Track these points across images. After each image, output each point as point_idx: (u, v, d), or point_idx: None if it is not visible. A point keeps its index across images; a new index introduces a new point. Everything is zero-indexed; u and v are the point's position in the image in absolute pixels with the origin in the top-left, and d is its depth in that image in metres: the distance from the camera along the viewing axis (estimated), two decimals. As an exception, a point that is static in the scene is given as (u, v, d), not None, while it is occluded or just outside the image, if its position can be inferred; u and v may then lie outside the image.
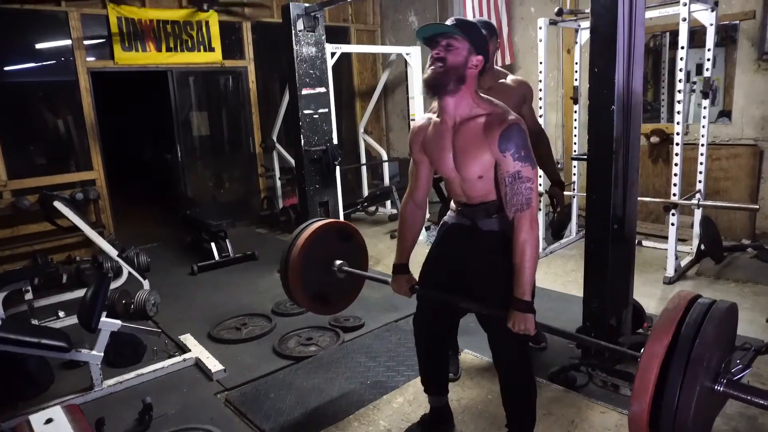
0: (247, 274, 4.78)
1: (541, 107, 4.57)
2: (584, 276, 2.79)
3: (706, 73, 4.07)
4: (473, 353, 3.00)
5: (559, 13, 3.85)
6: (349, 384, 2.81)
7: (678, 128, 3.79)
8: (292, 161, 6.04)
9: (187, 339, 3.39)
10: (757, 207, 3.47)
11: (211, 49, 6.07)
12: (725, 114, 5.07)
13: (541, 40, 4.52)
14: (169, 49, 5.81)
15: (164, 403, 2.70)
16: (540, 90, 4.54)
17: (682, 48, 3.68)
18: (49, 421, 1.41)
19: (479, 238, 1.95)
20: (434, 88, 1.77)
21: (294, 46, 4.14)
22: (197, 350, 3.22)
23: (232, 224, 5.65)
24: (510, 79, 2.67)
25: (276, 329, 3.53)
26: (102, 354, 2.74)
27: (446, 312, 2.13)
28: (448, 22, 1.80)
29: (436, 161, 1.95)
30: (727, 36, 4.96)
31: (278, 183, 6.35)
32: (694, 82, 4.96)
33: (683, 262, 4.18)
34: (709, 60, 4.03)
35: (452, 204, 2.11)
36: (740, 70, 4.64)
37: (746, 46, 4.59)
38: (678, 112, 3.78)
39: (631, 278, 2.86)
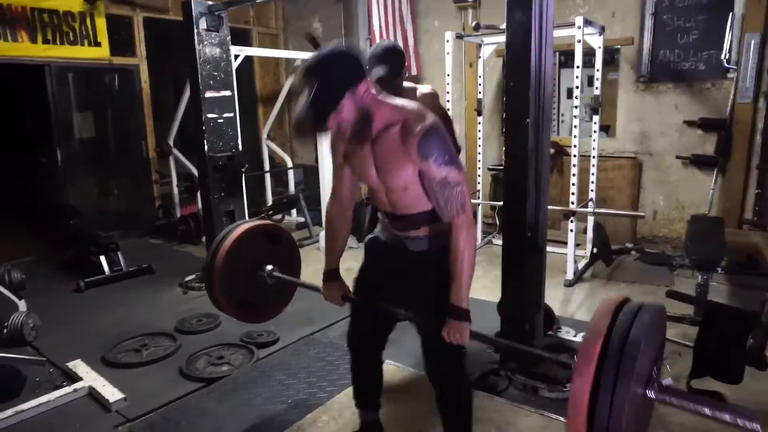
0: (144, 289, 4.37)
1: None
2: (502, 283, 2.88)
3: (596, 91, 4.42)
4: (395, 363, 2.96)
5: (477, 27, 3.98)
6: (269, 405, 2.64)
7: (575, 141, 4.07)
8: (191, 167, 5.69)
9: (78, 366, 3.00)
10: (643, 215, 3.83)
11: (98, 44, 5.52)
12: (604, 129, 5.56)
13: (448, 53, 4.65)
14: (46, 41, 5.20)
15: (53, 443, 2.36)
16: (447, 101, 4.66)
17: (578, 67, 3.97)
18: None
19: (408, 260, 1.88)
20: (358, 137, 1.69)
21: (196, 46, 3.89)
22: (90, 378, 2.85)
23: (123, 235, 5.16)
24: (422, 90, 2.81)
25: (182, 349, 3.24)
26: (-29, 391, 2.33)
27: (381, 322, 2.06)
28: (304, 73, 1.60)
29: (358, 172, 1.86)
30: (605, 59, 5.45)
31: (175, 190, 5.92)
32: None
33: (579, 266, 4.49)
34: (598, 79, 4.38)
35: (379, 215, 2.05)
36: (622, 91, 5.11)
37: (626, 69, 5.07)
38: (575, 126, 4.06)
39: (542, 283, 3.00)
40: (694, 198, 4.91)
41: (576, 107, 4.03)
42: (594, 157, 4.55)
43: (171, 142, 5.78)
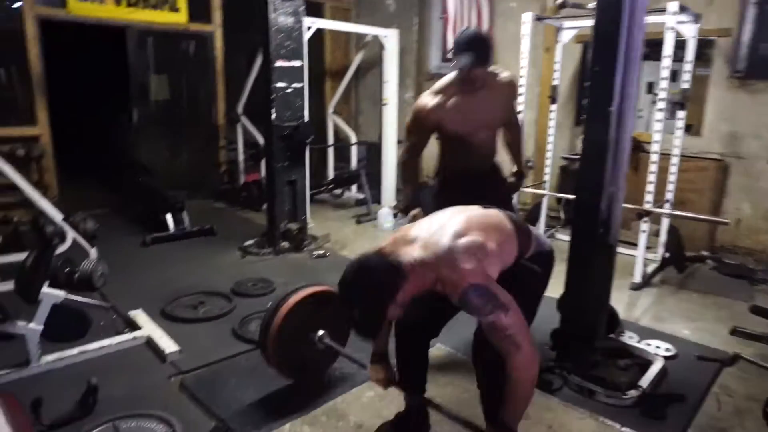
0: (205, 249, 4.50)
1: (522, 103, 4.50)
2: (566, 279, 2.74)
3: (684, 85, 4.11)
4: (445, 347, 2.89)
5: (563, 5, 3.74)
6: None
7: (657, 137, 3.80)
8: (258, 136, 5.78)
9: (138, 315, 3.12)
10: (728, 221, 3.54)
11: (176, 10, 5.66)
12: (687, 127, 5.18)
13: (524, 36, 4.43)
14: (129, 4, 5.38)
15: (111, 385, 2.45)
16: (521, 86, 4.46)
17: (667, 57, 3.68)
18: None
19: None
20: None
21: (270, 14, 3.90)
22: (149, 328, 2.97)
23: (188, 196, 5.33)
24: (502, 76, 2.81)
25: (236, 310, 3.31)
26: (41, 327, 2.46)
27: (437, 313, 2.00)
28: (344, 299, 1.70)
29: None
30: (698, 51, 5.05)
31: (241, 157, 6.04)
32: (656, 94, 5.05)
33: (648, 269, 4.23)
34: (687, 71, 4.06)
35: None
36: (713, 87, 4.73)
37: (719, 63, 4.68)
38: (658, 121, 3.78)
39: (610, 283, 2.83)
40: (786, 209, 4.52)
41: (662, 100, 3.75)
42: (675, 155, 4.24)
43: (240, 110, 5.88)
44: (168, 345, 2.78)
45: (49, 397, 2.25)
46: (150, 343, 2.85)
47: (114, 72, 6.29)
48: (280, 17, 3.90)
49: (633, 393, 2.59)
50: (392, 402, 2.40)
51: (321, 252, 4.55)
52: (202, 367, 2.67)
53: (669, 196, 4.29)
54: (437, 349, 2.88)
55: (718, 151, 4.76)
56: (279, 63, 3.96)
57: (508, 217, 1.86)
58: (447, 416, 2.00)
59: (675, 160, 4.24)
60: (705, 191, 4.79)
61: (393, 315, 1.68)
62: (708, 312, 3.70)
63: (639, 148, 4.98)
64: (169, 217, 4.67)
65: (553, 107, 4.85)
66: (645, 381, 2.67)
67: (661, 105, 3.76)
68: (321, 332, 2.39)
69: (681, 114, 4.13)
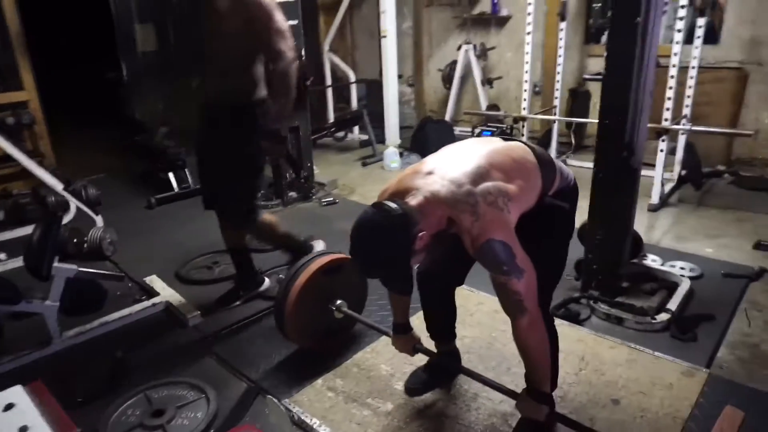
0: (212, 207, 4.40)
1: (529, 23, 4.24)
2: (590, 206, 2.63)
3: (704, -12, 3.83)
4: (469, 288, 2.83)
5: None
6: (342, 326, 2.61)
7: (677, 48, 3.57)
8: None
9: (154, 281, 3.07)
10: (751, 132, 3.38)
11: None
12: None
13: (531, -53, 4.10)
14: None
15: (137, 355, 2.43)
16: (530, 3, 4.17)
17: (687, -42, 3.40)
18: (9, 407, 1.13)
19: None
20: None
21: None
22: (167, 293, 2.92)
23: (188, 153, 5.17)
24: None
25: (252, 267, 3.25)
26: (58, 304, 2.40)
27: (459, 261, 1.89)
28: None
29: None
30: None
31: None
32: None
33: (666, 189, 4.12)
34: (707, -27, 3.77)
35: None
36: (734, -13, 4.42)
37: (741, -40, 4.35)
38: (678, 31, 3.54)
39: (634, 208, 2.73)
40: (808, 115, 4.33)
41: (682, 7, 3.48)
42: (694, 67, 4.01)
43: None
44: (188, 309, 2.74)
45: (77, 372, 2.23)
46: (170, 309, 2.81)
47: (96, 25, 5.95)
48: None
49: (662, 317, 2.56)
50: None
51: (330, 199, 4.45)
52: (224, 329, 2.64)
53: (686, 111, 4.10)
54: (483, 298, 2.79)
55: (737, 59, 4.51)
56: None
57: (532, 150, 1.72)
58: (479, 381, 1.94)
59: (693, 72, 4.02)
60: (722, 104, 4.59)
61: (417, 261, 1.58)
62: (729, 228, 3.62)
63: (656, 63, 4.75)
64: (171, 176, 4.54)
65: (563, 25, 4.57)
66: (673, 304, 2.64)
67: (682, 13, 3.50)
68: (339, 301, 2.33)
69: (701, 21, 3.87)
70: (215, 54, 2.46)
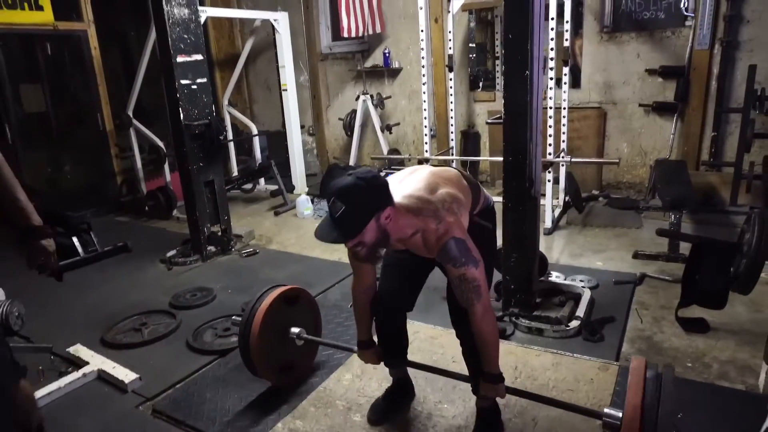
0: (125, 268, 4.22)
1: (424, 75, 4.69)
2: (503, 233, 2.97)
3: (566, 43, 4.51)
4: (419, 322, 2.99)
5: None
6: (289, 369, 2.66)
7: (551, 93, 4.17)
8: (155, 138, 5.44)
9: (79, 350, 2.90)
10: (617, 161, 4.00)
11: (39, 8, 5.08)
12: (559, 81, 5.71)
13: (421, 8, 4.58)
14: (-19, 6, 4.75)
15: (78, 429, 2.30)
16: (423, 57, 4.63)
17: (552, 19, 4.03)
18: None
19: None
20: (372, 257, 1.75)
21: (164, 6, 3.67)
22: (96, 361, 2.77)
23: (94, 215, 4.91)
24: None
25: (183, 324, 3.18)
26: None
27: (409, 291, 2.11)
28: (334, 195, 1.64)
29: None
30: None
31: (139, 164, 5.64)
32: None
33: (555, 214, 4.68)
34: (568, 31, 4.46)
35: None
36: (587, 42, 5.24)
37: (591, 20, 5.19)
38: (551, 78, 4.15)
39: (538, 232, 3.13)
40: (655, 144, 5.18)
41: (551, 59, 4.11)
42: (564, 108, 4.68)
43: (130, 113, 5.47)
44: (125, 374, 2.62)
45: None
46: (103, 377, 2.67)
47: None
48: (174, 9, 3.68)
49: (574, 324, 2.93)
50: (371, 378, 2.51)
51: (250, 250, 4.46)
52: (169, 389, 2.57)
53: (563, 146, 4.74)
54: (418, 327, 2.95)
55: (596, 100, 5.32)
56: (181, 58, 3.75)
57: (460, 173, 2.02)
58: (435, 372, 2.17)
59: (565, 112, 4.69)
60: (590, 137, 5.36)
61: (352, 243, 1.66)
62: (611, 242, 4.20)
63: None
64: (75, 240, 4.29)
65: (451, 75, 5.09)
66: (580, 311, 3.03)
67: (551, 64, 4.12)
68: (296, 329, 2.42)
69: (565, 70, 4.55)
70: None
